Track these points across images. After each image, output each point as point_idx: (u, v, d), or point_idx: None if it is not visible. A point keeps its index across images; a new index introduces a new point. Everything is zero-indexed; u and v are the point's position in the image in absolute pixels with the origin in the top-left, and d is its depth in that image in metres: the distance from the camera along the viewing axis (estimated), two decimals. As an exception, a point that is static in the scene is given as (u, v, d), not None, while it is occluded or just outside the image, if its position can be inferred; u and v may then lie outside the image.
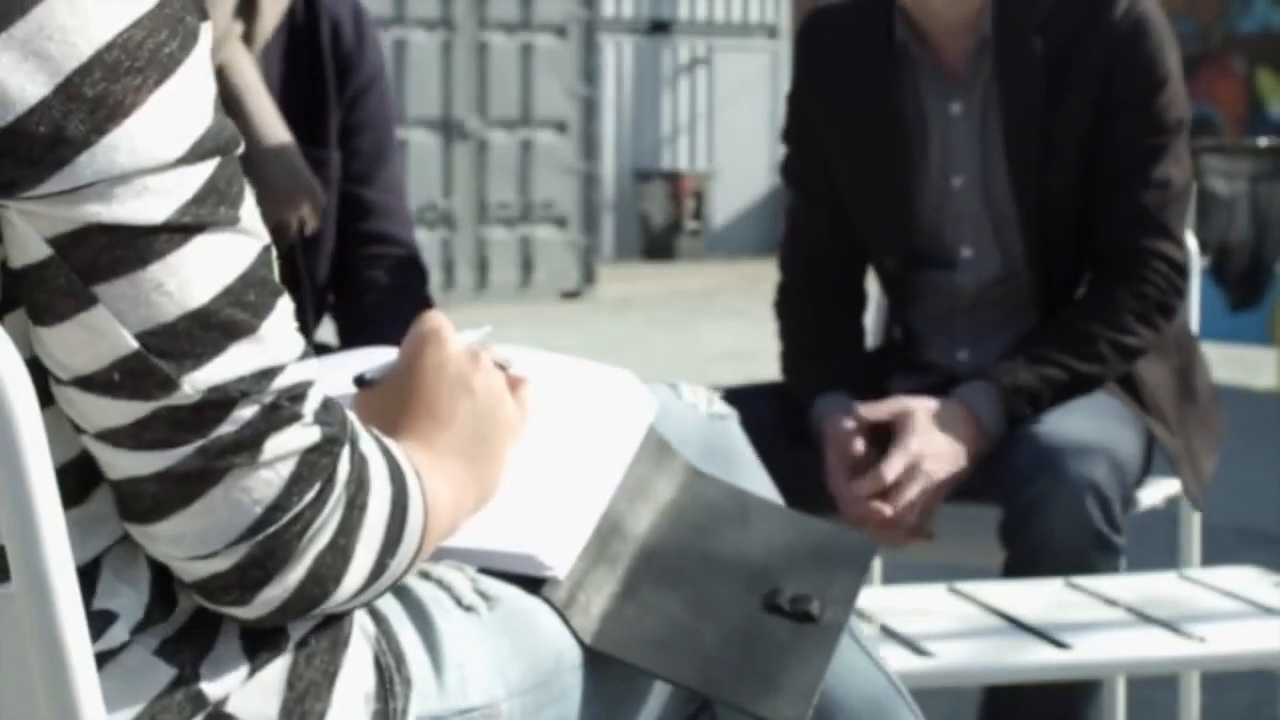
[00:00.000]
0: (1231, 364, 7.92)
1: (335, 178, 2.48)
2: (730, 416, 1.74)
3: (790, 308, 2.82)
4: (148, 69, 1.07)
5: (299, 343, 1.16)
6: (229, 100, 2.34)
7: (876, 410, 2.53)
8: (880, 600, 2.25)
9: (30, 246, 1.07)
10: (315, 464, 1.15)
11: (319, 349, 2.39)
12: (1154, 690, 3.30)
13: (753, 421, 1.84)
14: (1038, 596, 2.23)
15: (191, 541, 1.13)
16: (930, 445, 2.48)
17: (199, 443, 1.10)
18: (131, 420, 1.10)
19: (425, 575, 1.36)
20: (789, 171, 2.84)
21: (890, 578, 2.85)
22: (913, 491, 2.46)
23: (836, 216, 2.76)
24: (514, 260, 13.91)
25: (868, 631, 2.08)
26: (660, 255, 17.23)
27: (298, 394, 1.14)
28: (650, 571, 1.49)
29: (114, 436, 1.11)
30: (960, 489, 2.53)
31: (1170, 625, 2.10)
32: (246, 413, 1.11)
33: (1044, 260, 2.65)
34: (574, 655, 1.39)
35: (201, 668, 1.18)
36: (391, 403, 1.39)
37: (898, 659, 1.98)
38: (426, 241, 12.70)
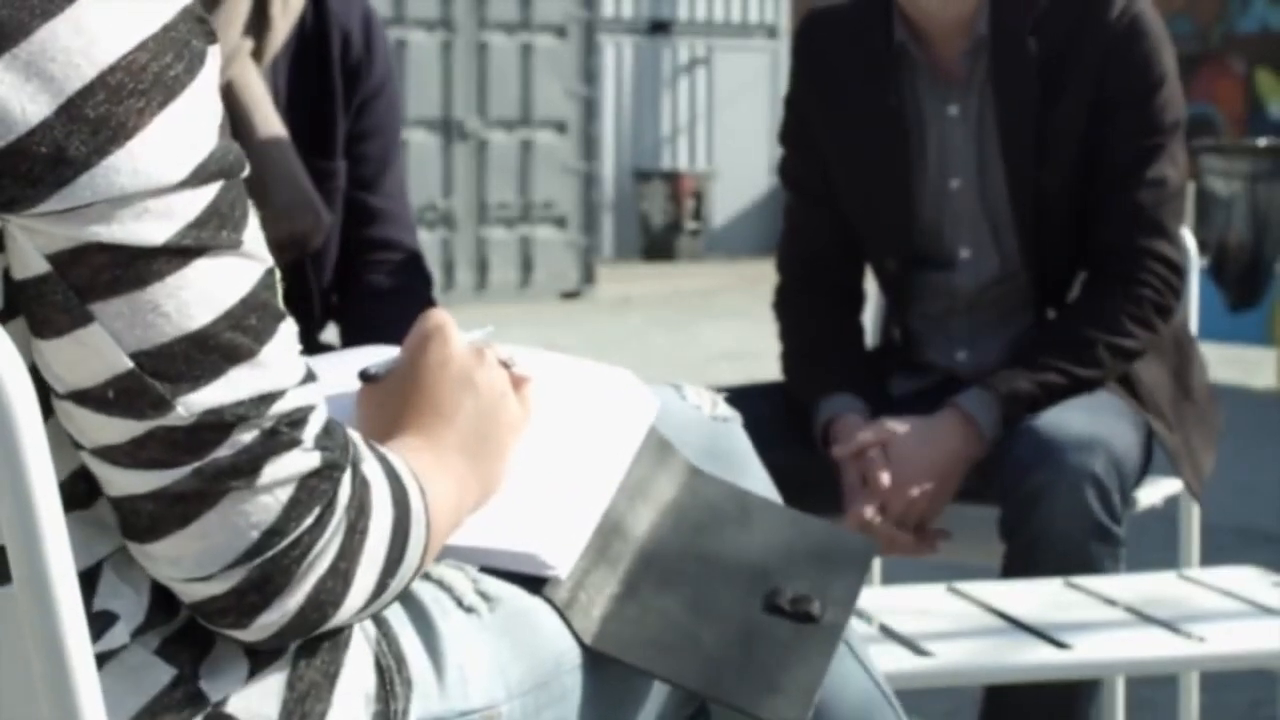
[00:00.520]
0: (1231, 364, 7.92)
1: (341, 186, 2.48)
2: (734, 419, 1.73)
3: (789, 308, 2.82)
4: (151, 91, 1.07)
5: (300, 367, 1.16)
6: (236, 117, 2.35)
7: (859, 441, 2.54)
8: (880, 600, 2.25)
9: (30, 261, 1.07)
10: (315, 489, 1.15)
11: (322, 350, 2.39)
12: (1153, 690, 3.30)
13: (753, 421, 1.84)
14: (1037, 596, 2.23)
15: (188, 563, 1.13)
16: (906, 471, 2.50)
17: (195, 464, 1.11)
18: (127, 438, 1.10)
19: (426, 576, 1.36)
20: (787, 172, 2.84)
21: (890, 577, 2.85)
22: (897, 515, 2.49)
23: (835, 217, 2.76)
24: (514, 260, 13.90)
25: (868, 631, 2.08)
26: (660, 255, 17.22)
27: (298, 419, 1.14)
28: (651, 572, 1.49)
29: (110, 454, 1.11)
30: (960, 490, 2.54)
31: (1170, 625, 2.10)
32: (245, 437, 1.11)
33: (1041, 261, 2.66)
34: (574, 656, 1.39)
35: (201, 668, 1.18)
36: (395, 398, 1.39)
37: (897, 659, 1.98)
38: (426, 242, 12.60)
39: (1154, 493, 2.69)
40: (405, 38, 13.08)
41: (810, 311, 2.78)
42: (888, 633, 2.07)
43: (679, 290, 14.16)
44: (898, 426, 2.54)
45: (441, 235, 13.39)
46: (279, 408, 1.13)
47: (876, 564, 2.86)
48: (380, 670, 1.27)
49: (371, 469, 1.21)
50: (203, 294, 1.09)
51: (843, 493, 2.54)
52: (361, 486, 1.19)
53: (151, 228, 1.07)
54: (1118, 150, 2.60)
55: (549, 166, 13.96)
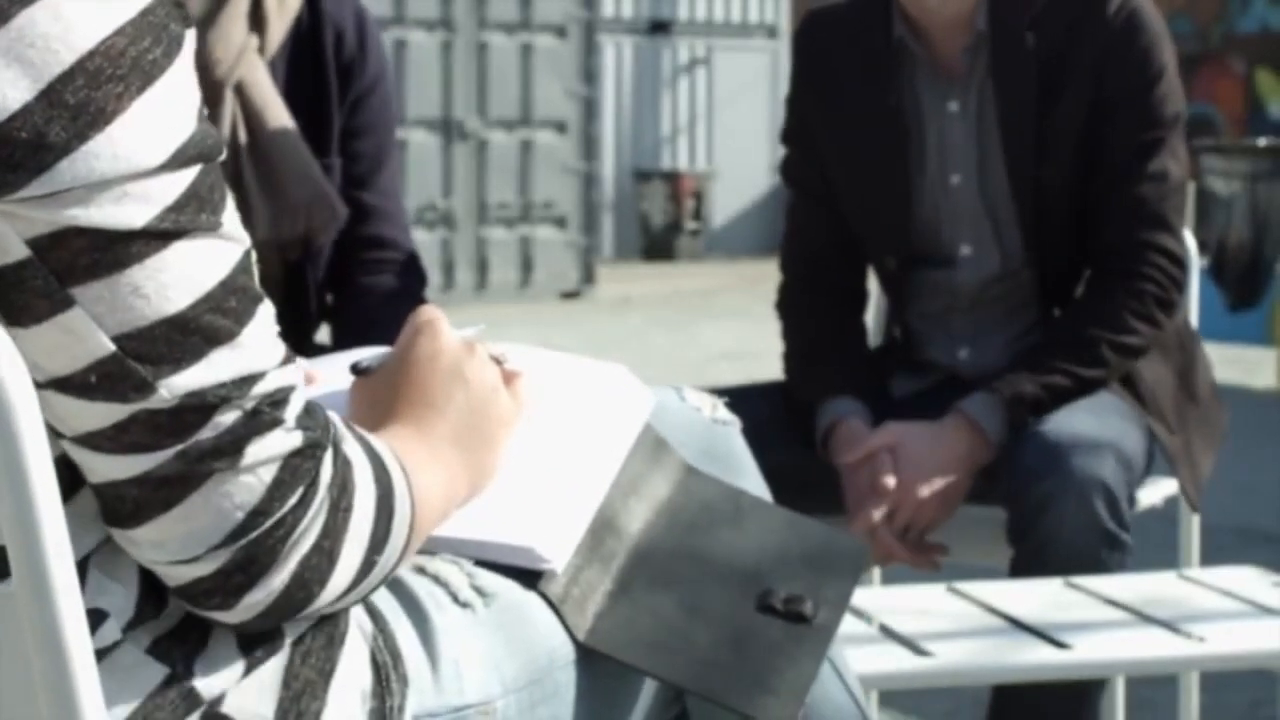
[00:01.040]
0: (1231, 364, 7.92)
1: (336, 183, 2.49)
2: (733, 423, 1.74)
3: (792, 308, 2.82)
4: (130, 76, 1.07)
5: (280, 348, 1.16)
6: (249, 115, 2.37)
7: (868, 446, 2.53)
8: (880, 600, 2.24)
9: (9, 247, 1.07)
10: (298, 468, 1.15)
11: (317, 351, 2.39)
12: (1153, 690, 3.29)
13: (753, 421, 1.84)
14: (1037, 596, 2.23)
15: (173, 546, 1.13)
16: (911, 481, 2.49)
17: (178, 447, 1.11)
18: (110, 423, 1.10)
19: (421, 571, 1.37)
20: (789, 172, 2.83)
21: (890, 577, 2.84)
22: (905, 519, 2.49)
23: (836, 216, 2.76)
24: (513, 260, 13.91)
25: (868, 631, 2.08)
26: (660, 255, 17.23)
27: (279, 399, 1.14)
28: (644, 570, 1.49)
29: (93, 440, 1.11)
30: (965, 492, 2.53)
31: (1170, 625, 2.10)
32: (227, 418, 1.12)
33: (1043, 256, 2.65)
34: (567, 652, 1.39)
35: (195, 666, 1.18)
36: (387, 390, 1.40)
37: (897, 659, 1.98)
38: (426, 242, 12.70)
39: (1154, 493, 2.69)
40: (405, 38, 13.09)
41: (812, 311, 2.78)
42: (888, 633, 2.07)
43: (679, 290, 14.17)
44: (905, 432, 2.53)
45: (441, 235, 13.39)
46: (260, 388, 1.13)
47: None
48: (376, 666, 1.27)
49: (352, 449, 1.22)
50: (182, 276, 1.10)
51: (847, 498, 2.53)
52: (344, 465, 1.20)
53: (130, 211, 1.07)
54: (1118, 145, 2.59)
55: (549, 166, 13.96)
